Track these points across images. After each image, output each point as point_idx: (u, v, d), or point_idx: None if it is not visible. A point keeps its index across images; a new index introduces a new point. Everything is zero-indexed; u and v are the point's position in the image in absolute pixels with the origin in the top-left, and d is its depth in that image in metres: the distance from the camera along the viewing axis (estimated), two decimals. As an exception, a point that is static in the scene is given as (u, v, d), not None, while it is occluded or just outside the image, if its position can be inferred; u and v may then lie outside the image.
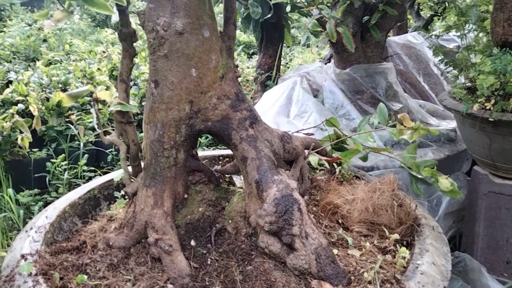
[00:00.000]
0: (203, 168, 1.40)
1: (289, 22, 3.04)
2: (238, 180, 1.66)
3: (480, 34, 2.07)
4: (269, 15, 2.53)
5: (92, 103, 1.36)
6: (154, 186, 1.28)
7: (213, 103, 1.29)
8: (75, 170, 2.67)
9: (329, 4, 2.28)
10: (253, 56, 5.42)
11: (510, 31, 1.68)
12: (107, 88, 2.46)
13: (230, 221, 1.28)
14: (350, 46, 2.04)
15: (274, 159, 1.29)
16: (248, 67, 4.55)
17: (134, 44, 1.39)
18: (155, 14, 1.22)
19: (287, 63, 4.99)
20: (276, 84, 2.88)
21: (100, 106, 2.62)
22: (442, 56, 2.10)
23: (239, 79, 4.09)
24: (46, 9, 1.13)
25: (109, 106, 1.40)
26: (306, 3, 2.11)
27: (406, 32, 4.35)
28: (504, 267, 1.84)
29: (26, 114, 2.85)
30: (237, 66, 1.38)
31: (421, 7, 4.50)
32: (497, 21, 1.71)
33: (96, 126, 1.36)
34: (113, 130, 1.43)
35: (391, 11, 2.15)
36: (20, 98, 2.83)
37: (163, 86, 1.26)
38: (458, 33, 1.98)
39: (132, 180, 1.43)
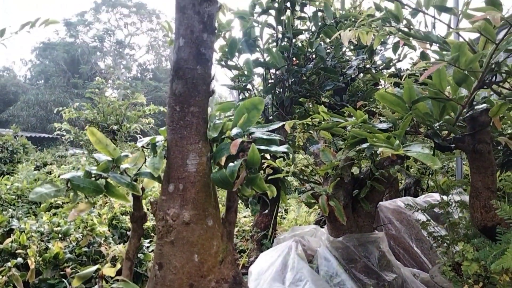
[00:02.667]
0: None
1: (285, 184, 3.28)
2: None
3: (464, 211, 2.24)
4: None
5: (97, 280, 1.44)
6: None
7: (211, 287, 1.36)
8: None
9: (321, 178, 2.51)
10: (255, 214, 5.58)
11: (488, 218, 1.84)
12: (113, 266, 2.53)
13: None
14: (342, 218, 2.19)
15: None
16: (245, 217, 4.68)
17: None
18: (166, 205, 1.38)
19: (282, 215, 5.14)
20: (272, 243, 2.97)
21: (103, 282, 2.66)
22: (431, 231, 2.24)
23: (236, 229, 4.18)
24: (72, 203, 1.29)
25: (112, 282, 1.47)
26: (301, 176, 2.34)
27: (398, 190, 4.60)
28: None
29: (22, 265, 2.86)
30: (236, 250, 1.49)
31: (410, 166, 4.85)
32: (474, 207, 1.89)
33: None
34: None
35: (379, 186, 2.36)
36: (20, 250, 2.87)
37: (167, 269, 1.35)
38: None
39: None
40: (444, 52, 1.86)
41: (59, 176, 6.50)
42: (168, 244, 1.36)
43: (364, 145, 1.66)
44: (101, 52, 29.14)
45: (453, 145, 1.89)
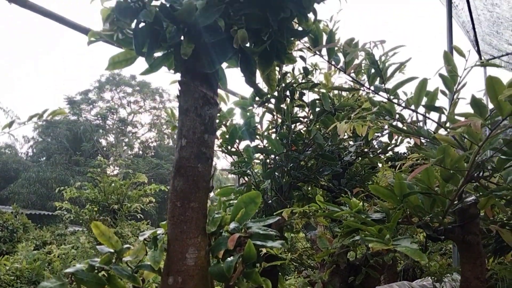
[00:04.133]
0: None
1: (284, 267, 3.26)
2: None
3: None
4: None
5: None
6: None
7: None
8: None
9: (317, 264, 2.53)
10: None
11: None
12: None
13: None
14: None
15: None
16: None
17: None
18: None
19: None
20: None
21: None
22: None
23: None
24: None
25: None
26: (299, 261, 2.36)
27: (396, 271, 4.51)
28: None
29: None
30: None
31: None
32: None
33: None
34: None
35: (374, 274, 2.38)
36: None
37: None
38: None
39: None
40: (433, 148, 2.00)
41: (58, 256, 6.42)
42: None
43: (357, 237, 1.73)
44: (104, 130, 29.59)
45: (443, 236, 1.96)
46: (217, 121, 3.18)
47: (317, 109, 3.46)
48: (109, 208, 9.83)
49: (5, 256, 6.22)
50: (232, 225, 1.46)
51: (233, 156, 3.40)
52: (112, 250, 1.56)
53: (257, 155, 3.50)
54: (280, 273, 3.38)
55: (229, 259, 1.36)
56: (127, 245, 1.60)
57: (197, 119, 1.55)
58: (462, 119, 1.65)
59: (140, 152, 30.78)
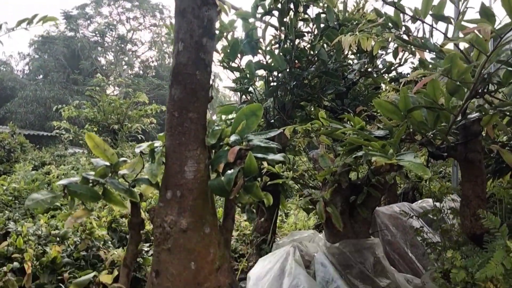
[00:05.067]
0: None
1: (285, 188, 3.29)
2: None
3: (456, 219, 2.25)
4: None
5: (94, 287, 1.44)
6: None
7: (208, 295, 1.37)
8: None
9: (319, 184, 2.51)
10: (252, 222, 5.58)
11: (477, 225, 1.85)
12: (108, 271, 2.53)
13: None
14: (339, 225, 2.20)
15: None
16: (246, 220, 4.68)
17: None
18: (164, 212, 1.39)
19: (283, 219, 5.13)
20: (271, 248, 2.97)
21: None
22: (424, 237, 2.25)
23: (236, 233, 4.19)
24: (69, 209, 1.30)
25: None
26: (301, 181, 2.34)
27: (396, 194, 4.61)
28: None
29: (18, 270, 2.85)
30: (232, 257, 1.49)
31: (409, 171, 4.86)
32: (465, 215, 1.90)
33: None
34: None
35: (375, 193, 2.37)
36: (16, 254, 2.86)
37: (163, 277, 1.35)
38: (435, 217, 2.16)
39: None
40: (439, 61, 1.87)
41: (57, 177, 6.46)
42: (165, 251, 1.36)
43: (360, 153, 1.66)
44: (102, 48, 28.56)
45: (446, 154, 1.90)
46: (218, 32, 2.99)
47: (322, 25, 3.25)
48: (109, 128, 9.79)
49: (2, 176, 6.25)
50: (233, 138, 1.38)
51: (234, 72, 3.26)
52: (107, 164, 1.49)
53: (259, 72, 3.35)
54: (282, 195, 3.42)
55: (229, 172, 1.30)
56: (124, 158, 1.54)
57: (194, 20, 1.40)
58: (471, 26, 1.50)
59: (141, 72, 30.08)
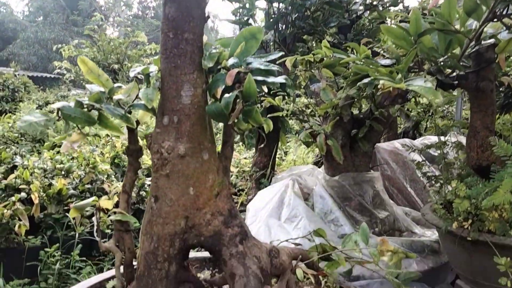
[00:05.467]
0: (193, 280, 1.46)
1: (285, 125, 3.26)
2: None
3: (459, 152, 2.23)
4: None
5: (94, 211, 1.46)
6: (145, 298, 1.33)
7: (207, 219, 1.39)
8: (67, 260, 2.68)
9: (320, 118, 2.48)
10: (251, 148, 5.63)
11: (483, 157, 1.84)
12: (109, 198, 2.58)
13: (215, 337, 1.31)
14: (339, 157, 2.19)
15: (261, 276, 1.35)
16: (246, 158, 4.73)
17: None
18: (161, 138, 1.37)
19: (282, 157, 5.18)
20: (270, 182, 3.01)
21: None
22: (425, 170, 2.25)
23: (236, 170, 4.24)
24: (65, 133, 1.28)
25: (109, 215, 1.50)
26: (301, 116, 2.31)
27: (396, 133, 4.61)
28: None
29: (26, 201, 2.93)
30: (231, 184, 1.50)
31: (410, 109, 4.82)
32: (471, 147, 1.88)
33: (95, 234, 1.44)
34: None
35: (377, 126, 2.34)
36: (23, 186, 2.92)
37: (162, 202, 1.36)
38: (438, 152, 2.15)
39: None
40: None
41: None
42: (163, 177, 1.36)
43: (366, 80, 1.61)
44: (100, -13, 27.68)
45: (456, 82, 1.84)
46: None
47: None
48: (109, 68, 9.66)
49: (7, 115, 6.29)
50: (231, 61, 1.32)
51: (234, 2, 3.11)
52: (102, 89, 1.45)
53: (259, 4, 3.21)
54: (281, 131, 3.40)
55: (227, 95, 1.25)
56: (119, 84, 1.49)
57: None
58: None
59: (140, 13, 29.34)
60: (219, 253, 1.37)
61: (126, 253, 1.50)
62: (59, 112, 1.26)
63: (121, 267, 1.50)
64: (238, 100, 1.30)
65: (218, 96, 1.36)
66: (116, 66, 9.79)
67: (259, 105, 2.52)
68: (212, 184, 1.40)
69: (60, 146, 4.51)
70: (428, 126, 4.93)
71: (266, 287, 1.33)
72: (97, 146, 4.30)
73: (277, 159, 4.10)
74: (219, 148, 1.48)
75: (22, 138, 4.97)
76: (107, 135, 5.01)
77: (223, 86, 1.32)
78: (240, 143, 6.25)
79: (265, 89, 1.51)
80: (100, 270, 2.68)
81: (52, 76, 16.35)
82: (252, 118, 1.32)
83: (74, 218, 2.87)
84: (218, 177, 1.42)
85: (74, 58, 10.54)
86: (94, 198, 1.40)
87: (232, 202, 1.46)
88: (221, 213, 1.41)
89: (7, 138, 4.83)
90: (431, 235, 2.42)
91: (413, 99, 4.16)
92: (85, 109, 1.34)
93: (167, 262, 1.36)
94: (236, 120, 1.35)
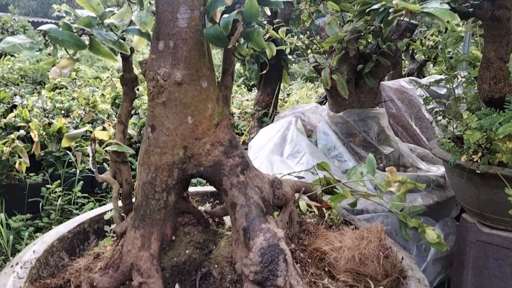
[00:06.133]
0: (193, 210, 1.44)
1: (288, 63, 3.15)
2: (227, 220, 1.68)
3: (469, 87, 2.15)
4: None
5: (90, 142, 1.42)
6: (143, 228, 1.31)
7: (206, 149, 1.34)
8: (68, 196, 2.71)
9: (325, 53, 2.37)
10: (253, 89, 5.55)
11: (496, 89, 1.76)
12: (104, 128, 2.54)
13: (216, 266, 1.31)
14: (344, 92, 2.11)
15: (263, 206, 1.33)
16: (247, 100, 4.65)
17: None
18: (156, 65, 1.29)
19: (284, 98, 5.09)
20: (272, 121, 2.96)
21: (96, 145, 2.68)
22: (432, 106, 2.18)
23: (238, 111, 4.18)
24: (53, 57, 1.20)
25: (106, 145, 1.46)
26: (303, 53, 2.21)
27: (401, 74, 4.49)
28: (490, 317, 1.84)
29: (26, 139, 2.91)
30: (232, 114, 1.44)
31: (415, 51, 4.66)
32: (483, 78, 1.79)
33: (91, 165, 1.41)
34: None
35: (384, 61, 2.24)
36: (23, 124, 2.89)
37: (159, 131, 1.31)
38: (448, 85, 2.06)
39: (122, 219, 1.46)
40: None
41: (61, 57, 6.33)
42: (160, 105, 1.30)
43: (376, 6, 1.49)
44: None
45: (470, 10, 1.73)
46: None
47: None
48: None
49: (7, 57, 6.15)
50: (229, -22, 1.21)
51: None
52: (93, 14, 1.35)
53: None
54: (284, 69, 3.30)
55: (225, 15, 1.16)
56: (110, 9, 1.39)
57: None
58: None
59: None
60: (220, 183, 1.35)
61: (124, 185, 1.49)
62: (46, 36, 1.17)
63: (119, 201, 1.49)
64: (237, 24, 1.21)
65: (217, 19, 1.27)
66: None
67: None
68: (211, 114, 1.34)
69: (61, 88, 4.44)
70: (432, 68, 4.79)
71: (268, 217, 1.32)
72: (98, 87, 4.22)
73: (279, 100, 4.02)
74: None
75: (23, 80, 4.89)
76: (108, 77, 4.91)
77: (223, 7, 1.22)
78: (242, 86, 6.15)
79: (267, 11, 1.40)
80: (102, 206, 2.72)
81: (52, 22, 15.84)
82: (253, 41, 1.24)
83: (75, 156, 2.87)
84: (217, 107, 1.36)
85: (73, 1, 10.14)
86: (88, 127, 1.35)
87: (233, 132, 1.41)
88: (221, 143, 1.36)
89: (7, 80, 4.75)
90: (436, 170, 2.40)
91: (418, 40, 3.99)
92: (75, 33, 1.26)
93: (166, 192, 1.33)
94: (236, 44, 1.27)
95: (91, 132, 1.37)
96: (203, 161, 1.34)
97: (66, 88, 4.37)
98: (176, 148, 1.31)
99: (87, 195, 2.80)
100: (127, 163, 1.49)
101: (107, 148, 1.43)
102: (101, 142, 2.80)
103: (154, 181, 1.32)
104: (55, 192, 2.64)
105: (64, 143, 1.36)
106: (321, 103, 4.21)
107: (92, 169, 1.47)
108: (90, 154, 1.46)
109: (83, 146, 2.95)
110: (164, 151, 1.31)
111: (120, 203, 1.49)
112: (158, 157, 1.32)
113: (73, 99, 3.42)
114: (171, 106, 1.29)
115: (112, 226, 1.61)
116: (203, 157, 1.34)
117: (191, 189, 1.92)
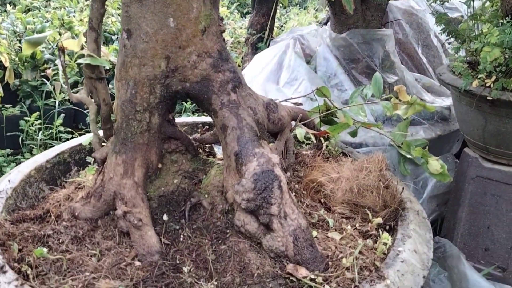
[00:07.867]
0: (180, 136, 1.27)
1: (285, -21, 2.84)
2: (219, 151, 1.53)
3: (487, 3, 1.92)
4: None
5: (58, 53, 1.20)
6: (125, 153, 1.15)
7: (192, 61, 1.14)
8: (50, 131, 2.51)
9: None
10: (246, 16, 5.19)
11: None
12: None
13: (206, 196, 1.17)
14: (349, 7, 1.87)
15: (257, 129, 1.16)
16: (241, 27, 4.33)
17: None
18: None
19: (281, 26, 4.75)
20: (268, 47, 2.71)
21: (67, 58, 2.41)
22: (445, 26, 1.95)
23: (230, 40, 3.89)
24: None
25: (76, 57, 1.25)
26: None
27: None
28: (482, 254, 1.80)
29: (-1, 66, 2.65)
30: (222, 19, 1.22)
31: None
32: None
33: (61, 81, 1.21)
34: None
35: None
36: (-10, 47, 2.61)
37: (137, 37, 1.10)
38: (464, 0, 1.83)
39: (103, 144, 1.30)
40: None
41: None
42: (135, 2, 1.07)
43: None
44: None
45: None
46: None
47: None
48: None
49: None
50: None
51: None
52: None
53: None
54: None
55: None
56: None
57: None
58: None
59: None
60: (209, 102, 1.16)
61: (102, 106, 1.30)
62: None
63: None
64: None
65: None
66: None
67: None
68: (197, 16, 1.12)
69: (33, 10, 4.05)
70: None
71: (262, 142, 1.15)
72: (74, 10, 3.87)
73: (276, 28, 3.72)
74: None
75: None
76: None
77: None
78: (235, 12, 5.75)
79: None
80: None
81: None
82: None
83: (53, 85, 2.63)
84: (204, 8, 1.13)
85: None
86: (52, 32, 1.13)
87: (222, 42, 1.21)
88: (210, 55, 1.16)
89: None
90: (441, 102, 2.23)
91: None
92: None
93: (148, 112, 1.15)
94: None
95: (56, 37, 1.15)
96: (189, 76, 1.15)
97: (39, 10, 3.99)
98: (157, 58, 1.11)
99: (71, 130, 2.60)
100: (104, 79, 1.29)
101: (78, 61, 1.22)
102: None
103: (134, 98, 1.14)
104: (35, 125, 2.44)
105: (25, 49, 1.14)
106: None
107: (63, 86, 1.27)
108: (60, 68, 1.25)
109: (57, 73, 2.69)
110: (144, 61, 1.11)
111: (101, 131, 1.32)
112: (137, 69, 1.12)
113: (47, 21, 3.09)
114: (149, 5, 1.07)
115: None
116: (188, 70, 1.14)
117: (178, 119, 1.75)
